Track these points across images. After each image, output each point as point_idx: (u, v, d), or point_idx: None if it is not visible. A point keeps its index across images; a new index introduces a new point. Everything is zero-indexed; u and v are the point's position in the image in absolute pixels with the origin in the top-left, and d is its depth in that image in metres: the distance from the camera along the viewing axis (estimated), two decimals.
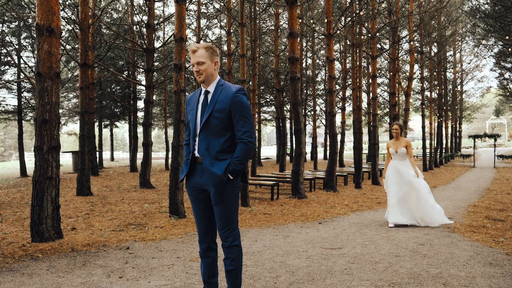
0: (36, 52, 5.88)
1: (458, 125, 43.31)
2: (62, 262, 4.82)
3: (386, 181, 7.76)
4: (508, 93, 31.59)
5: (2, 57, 20.04)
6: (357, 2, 17.14)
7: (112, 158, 38.76)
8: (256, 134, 24.72)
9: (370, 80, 19.50)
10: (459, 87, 38.24)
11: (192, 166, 3.24)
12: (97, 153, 22.94)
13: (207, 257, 3.32)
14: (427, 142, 25.39)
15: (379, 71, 29.83)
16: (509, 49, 21.26)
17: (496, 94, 37.19)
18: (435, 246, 5.62)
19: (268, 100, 31.83)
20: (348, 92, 28.29)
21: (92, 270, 4.55)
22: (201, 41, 19.63)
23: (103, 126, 30.68)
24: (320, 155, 42.40)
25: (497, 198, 11.57)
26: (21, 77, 20.82)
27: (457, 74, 37.20)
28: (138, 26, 19.02)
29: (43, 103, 5.77)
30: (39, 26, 5.74)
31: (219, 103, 3.12)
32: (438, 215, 7.40)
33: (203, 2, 20.12)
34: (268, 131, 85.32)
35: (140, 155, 36.93)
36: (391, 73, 20.15)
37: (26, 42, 21.80)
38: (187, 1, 14.73)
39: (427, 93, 28.65)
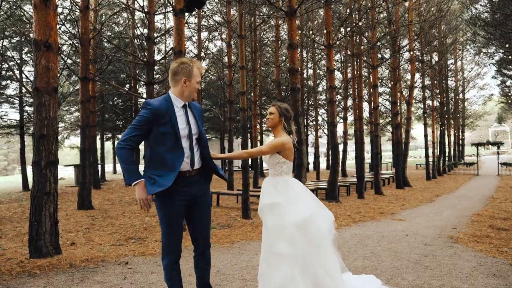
0: (34, 67, 5.89)
1: (460, 133, 43.20)
2: (59, 279, 4.77)
3: None
4: (510, 101, 31.55)
5: (4, 71, 20.15)
6: (356, 13, 17.19)
7: (114, 171, 38.75)
8: (258, 144, 24.70)
9: (371, 90, 19.48)
10: (461, 95, 38.21)
11: (183, 178, 3.23)
12: (99, 166, 22.92)
13: (176, 269, 3.32)
14: (430, 150, 25.28)
15: (380, 80, 29.84)
16: (510, 57, 21.27)
17: (498, 101, 37.18)
18: (437, 257, 5.54)
19: None
20: (350, 102, 28.29)
21: (90, 286, 4.49)
22: (202, 53, 19.72)
23: (105, 139, 30.73)
24: (323, 165, 42.25)
25: (501, 207, 11.45)
26: (23, 91, 20.93)
27: (458, 82, 37.19)
28: (138, 39, 19.12)
29: (41, 118, 5.77)
30: (37, 42, 5.75)
31: (199, 116, 3.43)
32: None
33: (203, 15, 20.20)
34: None
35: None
36: (392, 82, 20.15)
37: (28, 57, 21.94)
38: (187, 15, 14.80)
39: (428, 101, 28.63)
